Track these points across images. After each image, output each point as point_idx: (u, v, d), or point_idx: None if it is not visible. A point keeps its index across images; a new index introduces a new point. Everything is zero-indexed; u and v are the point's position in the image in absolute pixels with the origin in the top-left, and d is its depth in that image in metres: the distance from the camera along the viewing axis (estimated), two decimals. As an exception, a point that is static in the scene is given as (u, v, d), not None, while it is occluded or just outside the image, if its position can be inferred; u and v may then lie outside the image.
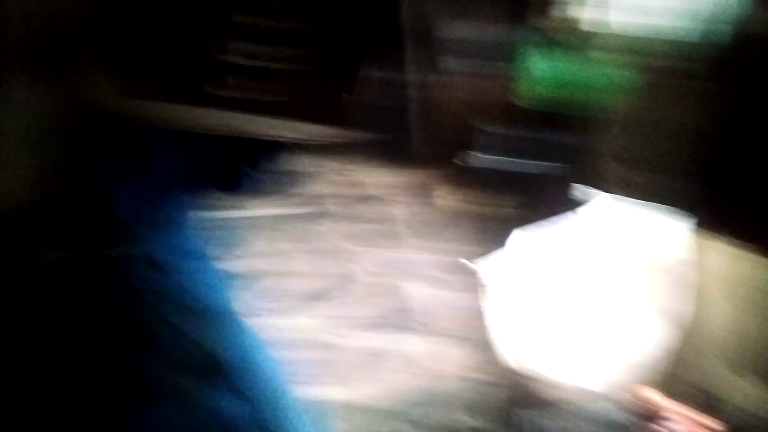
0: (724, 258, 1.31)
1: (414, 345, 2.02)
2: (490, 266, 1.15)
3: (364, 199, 2.74)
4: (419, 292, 2.23)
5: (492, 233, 1.82)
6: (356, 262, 2.38)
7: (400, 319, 2.12)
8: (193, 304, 0.88)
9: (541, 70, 2.02)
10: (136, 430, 0.78)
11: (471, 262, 1.16)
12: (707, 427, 1.06)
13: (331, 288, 2.27)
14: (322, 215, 2.65)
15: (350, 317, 2.14)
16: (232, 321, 0.93)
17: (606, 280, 1.28)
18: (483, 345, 1.32)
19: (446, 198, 2.55)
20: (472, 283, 1.25)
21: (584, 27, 1.79)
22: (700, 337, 1.45)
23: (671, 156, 0.81)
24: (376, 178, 2.85)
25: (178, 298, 0.88)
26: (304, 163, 2.77)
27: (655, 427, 1.06)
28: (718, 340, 1.37)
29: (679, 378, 1.53)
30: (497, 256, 1.17)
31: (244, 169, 0.92)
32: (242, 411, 0.90)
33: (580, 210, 1.25)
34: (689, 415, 1.09)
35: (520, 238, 1.21)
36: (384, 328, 2.09)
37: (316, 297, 2.21)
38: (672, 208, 1.24)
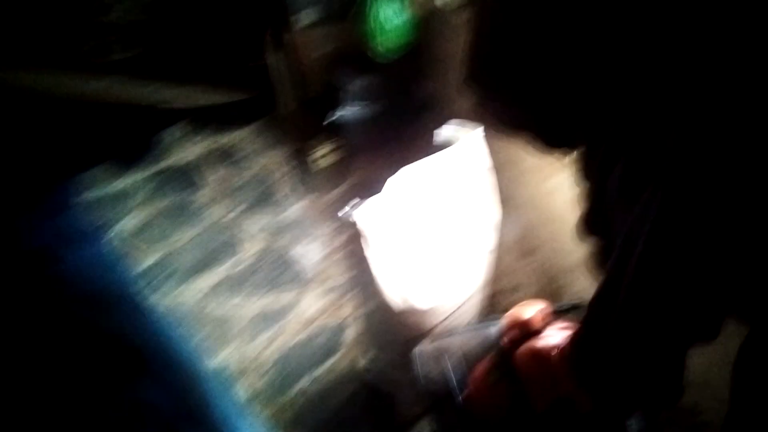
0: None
1: (309, 301, 2.04)
2: (367, 213, 1.19)
3: (238, 164, 2.68)
4: (310, 252, 2.24)
5: (367, 184, 1.88)
6: (239, 229, 2.34)
7: (293, 279, 2.13)
8: (93, 291, 0.84)
9: (388, 19, 2.06)
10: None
11: (348, 211, 1.19)
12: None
13: (216, 257, 2.22)
14: (197, 184, 2.56)
15: (240, 284, 2.11)
16: (135, 305, 0.90)
17: (453, 203, 1.39)
18: (371, 290, 1.37)
19: (320, 155, 2.56)
20: (355, 233, 1.29)
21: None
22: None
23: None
24: (249, 142, 2.79)
25: (76, 288, 0.83)
26: (173, 131, 2.64)
27: (537, 339, 1.18)
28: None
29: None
30: (374, 202, 1.21)
31: (118, 141, 0.88)
32: (170, 401, 0.88)
33: (448, 146, 1.33)
34: (563, 327, 1.23)
35: (394, 181, 1.27)
36: (277, 289, 2.09)
37: (202, 268, 2.16)
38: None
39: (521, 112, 0.86)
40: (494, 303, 1.91)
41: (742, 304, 0.63)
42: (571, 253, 1.53)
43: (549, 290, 1.68)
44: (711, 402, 1.16)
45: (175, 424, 0.82)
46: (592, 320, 0.75)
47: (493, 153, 1.82)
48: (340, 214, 1.20)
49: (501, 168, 1.83)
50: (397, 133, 1.34)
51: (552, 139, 0.88)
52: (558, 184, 1.50)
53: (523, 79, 0.82)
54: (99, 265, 0.87)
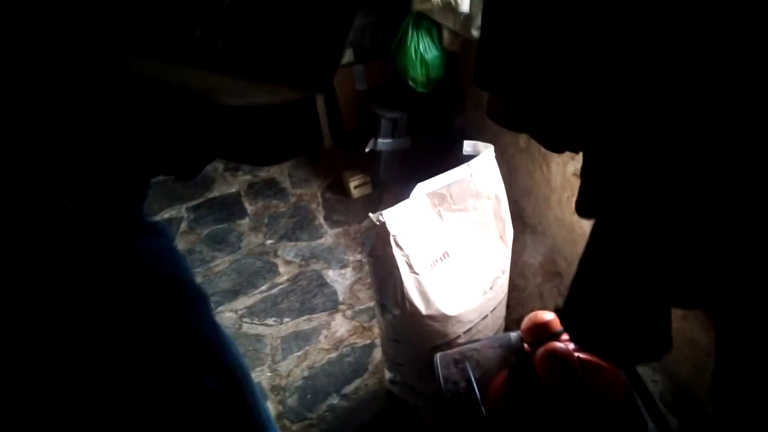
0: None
1: (339, 323, 2.10)
2: (395, 216, 1.26)
3: (276, 195, 2.81)
4: (341, 278, 2.32)
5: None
6: (275, 255, 2.44)
7: (325, 303, 2.20)
8: (167, 276, 0.93)
9: (428, 54, 2.16)
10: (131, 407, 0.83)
11: (379, 214, 1.25)
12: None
13: (253, 281, 2.31)
14: (239, 214, 2.69)
15: (275, 305, 2.19)
16: (200, 296, 0.99)
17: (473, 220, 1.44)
18: (397, 300, 1.41)
19: (354, 186, 2.67)
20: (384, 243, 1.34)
21: (462, 8, 1.95)
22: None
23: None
24: (287, 176, 2.94)
25: (155, 271, 0.92)
26: (216, 166, 2.80)
27: (556, 343, 1.20)
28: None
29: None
30: (401, 206, 1.28)
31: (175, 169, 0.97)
32: (226, 389, 0.95)
33: (470, 161, 1.40)
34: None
35: (421, 189, 1.34)
36: (309, 311, 2.16)
37: (240, 290, 2.25)
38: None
39: (522, 113, 0.93)
40: (519, 323, 1.92)
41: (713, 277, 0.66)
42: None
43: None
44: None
45: (226, 415, 0.89)
46: (579, 283, 0.79)
47: (521, 176, 1.88)
48: (371, 215, 1.26)
49: (528, 191, 1.88)
50: (430, 165, 1.42)
51: (549, 141, 0.93)
52: (581, 203, 1.53)
53: (523, 81, 0.89)
54: (172, 255, 0.97)
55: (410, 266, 1.32)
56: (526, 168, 1.87)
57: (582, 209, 0.82)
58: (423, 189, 1.35)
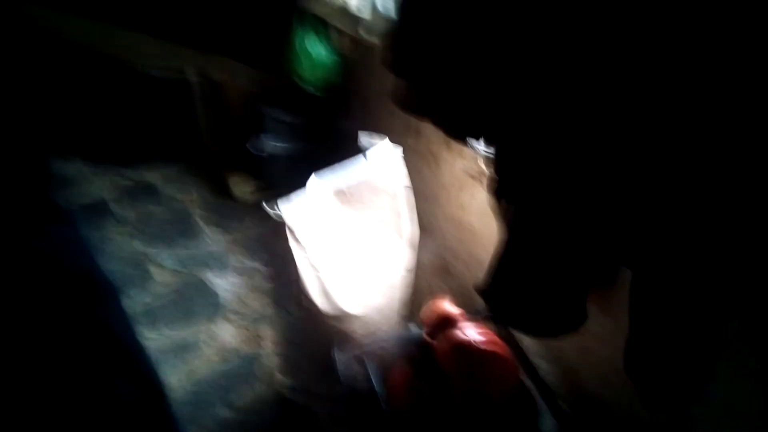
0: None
1: (226, 331, 1.98)
2: (292, 208, 1.21)
3: (151, 196, 2.61)
4: (226, 283, 2.19)
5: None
6: (153, 262, 2.25)
7: (209, 310, 2.06)
8: (75, 269, 0.81)
9: (317, 54, 2.13)
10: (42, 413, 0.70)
11: (274, 206, 1.19)
12: (487, 332, 1.25)
13: (127, 291, 2.11)
14: (106, 217, 2.45)
15: (153, 316, 2.01)
16: (110, 289, 0.87)
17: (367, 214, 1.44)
18: (292, 301, 1.36)
19: (239, 186, 2.55)
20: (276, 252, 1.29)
21: (353, 11, 1.95)
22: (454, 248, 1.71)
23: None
24: (164, 178, 2.74)
25: (63, 262, 0.80)
26: (79, 166, 2.53)
27: (457, 333, 1.22)
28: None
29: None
30: (298, 199, 1.23)
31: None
32: (143, 398, 0.84)
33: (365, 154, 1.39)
34: (476, 324, 1.29)
35: (317, 181, 1.30)
36: (192, 321, 2.01)
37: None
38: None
39: (429, 99, 0.94)
40: (413, 321, 1.94)
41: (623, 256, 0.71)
42: (483, 265, 1.59)
43: (463, 305, 1.72)
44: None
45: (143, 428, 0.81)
46: (499, 262, 0.81)
47: (410, 177, 1.91)
48: (266, 206, 1.20)
49: (417, 192, 1.91)
50: (318, 168, 1.40)
51: (452, 127, 0.95)
52: (469, 199, 1.58)
53: (438, 68, 0.90)
54: (77, 245, 0.86)
55: (310, 262, 1.28)
56: (415, 167, 1.90)
57: (498, 192, 0.84)
58: (319, 181, 1.32)
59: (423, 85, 0.95)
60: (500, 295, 0.81)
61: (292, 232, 1.22)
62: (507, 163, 0.85)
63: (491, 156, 0.87)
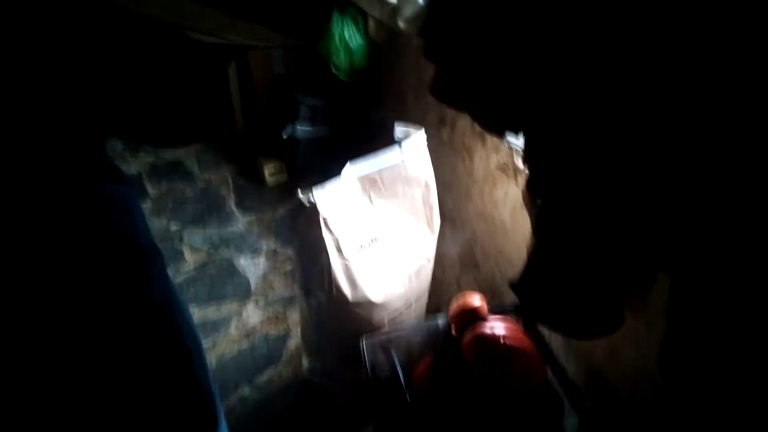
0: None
1: (251, 312, 2.01)
2: (325, 196, 1.21)
3: (184, 177, 2.65)
4: (253, 266, 2.22)
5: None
6: (181, 241, 2.30)
7: (236, 291, 2.10)
8: (119, 226, 0.84)
9: (353, 42, 2.13)
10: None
11: (307, 192, 1.20)
12: (514, 327, 1.25)
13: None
14: (141, 195, 2.50)
15: (181, 293, 2.06)
16: (153, 252, 0.90)
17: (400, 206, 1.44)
18: (319, 285, 1.37)
19: (270, 170, 2.58)
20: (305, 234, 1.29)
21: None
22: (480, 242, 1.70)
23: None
24: (194, 159, 2.78)
25: (107, 218, 0.84)
26: (116, 145, 2.59)
27: (483, 327, 1.22)
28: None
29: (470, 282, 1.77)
30: (332, 187, 1.23)
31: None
32: (174, 359, 0.88)
33: (400, 144, 1.39)
34: (503, 319, 1.28)
35: (351, 170, 1.30)
36: (217, 299, 2.05)
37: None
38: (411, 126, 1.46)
39: (467, 90, 0.93)
40: (438, 312, 1.95)
41: (663, 261, 0.70)
42: (513, 262, 1.59)
43: (489, 300, 1.72)
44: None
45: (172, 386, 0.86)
46: (534, 257, 0.81)
47: (443, 168, 1.91)
48: (299, 193, 1.21)
49: (449, 183, 1.90)
50: (348, 155, 1.40)
51: (490, 120, 0.94)
52: (503, 194, 1.57)
53: (473, 56, 0.89)
54: (125, 204, 0.89)
55: (339, 250, 1.29)
56: (448, 161, 1.90)
57: (532, 189, 0.83)
58: (353, 171, 1.32)
59: (459, 73, 0.94)
60: (534, 291, 0.80)
61: (324, 219, 1.23)
62: (544, 159, 0.84)
63: (528, 152, 0.87)
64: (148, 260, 0.88)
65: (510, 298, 1.69)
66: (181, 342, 0.88)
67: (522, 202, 1.48)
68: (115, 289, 0.81)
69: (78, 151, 0.84)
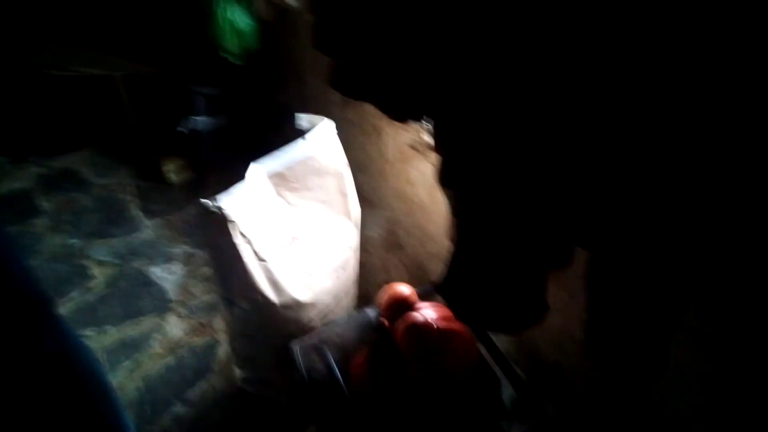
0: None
1: (173, 324, 1.90)
2: (232, 201, 1.14)
3: (78, 185, 2.45)
4: (168, 273, 2.10)
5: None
6: (87, 257, 2.13)
7: (153, 303, 1.97)
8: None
9: (243, 23, 2.01)
10: None
11: (212, 199, 1.12)
12: (444, 310, 1.24)
13: (62, 288, 1.99)
14: (32, 212, 2.29)
15: (93, 313, 1.91)
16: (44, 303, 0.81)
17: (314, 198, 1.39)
18: (242, 292, 1.31)
19: (171, 168, 2.43)
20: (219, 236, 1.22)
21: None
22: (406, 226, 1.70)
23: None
24: (87, 164, 2.57)
25: None
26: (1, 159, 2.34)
27: (413, 313, 1.21)
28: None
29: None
30: (238, 190, 1.16)
31: None
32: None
33: (305, 135, 1.32)
34: (432, 304, 1.28)
35: (256, 168, 1.22)
36: (135, 315, 1.92)
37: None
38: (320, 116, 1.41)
39: (367, 81, 0.89)
40: (370, 300, 1.93)
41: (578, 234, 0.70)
42: (435, 239, 1.59)
43: (418, 279, 1.72)
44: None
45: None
46: (455, 258, 0.79)
47: (354, 151, 1.86)
48: (203, 202, 1.12)
49: (362, 166, 1.86)
50: (255, 142, 1.32)
51: (393, 110, 0.91)
52: (418, 173, 1.55)
53: (368, 47, 0.84)
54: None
55: (256, 253, 1.22)
56: (358, 141, 1.85)
57: (445, 180, 0.80)
58: (259, 168, 1.25)
59: (355, 65, 0.89)
60: (458, 290, 0.79)
61: (234, 225, 1.15)
62: (451, 145, 0.81)
63: (437, 140, 0.84)
64: (35, 312, 0.79)
65: (436, 274, 1.69)
66: (81, 390, 0.81)
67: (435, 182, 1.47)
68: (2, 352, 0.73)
69: None
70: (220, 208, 1.12)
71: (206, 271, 2.10)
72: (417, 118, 0.91)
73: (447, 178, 0.84)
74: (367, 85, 0.90)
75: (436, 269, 1.66)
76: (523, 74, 0.63)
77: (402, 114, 0.92)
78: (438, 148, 0.84)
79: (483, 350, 1.26)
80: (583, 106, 0.59)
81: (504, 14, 0.61)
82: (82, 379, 0.82)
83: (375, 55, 0.83)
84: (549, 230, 0.70)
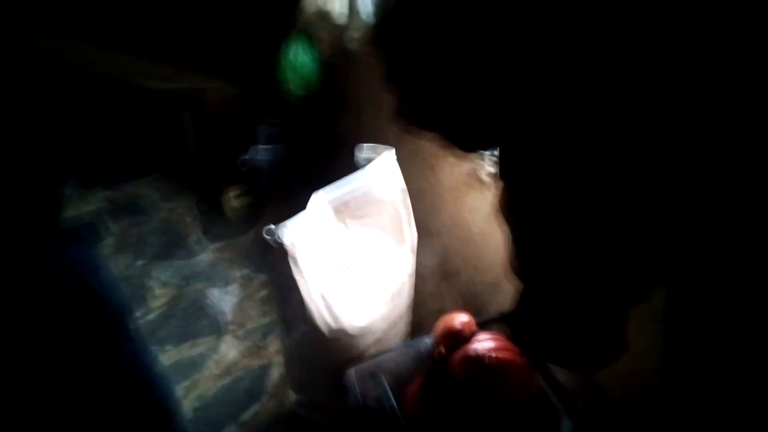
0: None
1: (228, 346, 1.95)
2: (294, 229, 1.17)
3: (143, 211, 2.56)
4: (226, 296, 2.16)
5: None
6: (148, 277, 2.21)
7: (211, 325, 2.03)
8: (82, 291, 0.79)
9: (304, 63, 2.09)
10: None
11: (274, 230, 1.15)
12: (502, 341, 1.22)
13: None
14: (103, 234, 2.40)
15: (152, 333, 1.97)
16: (120, 311, 0.85)
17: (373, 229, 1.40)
18: (297, 318, 1.33)
19: (232, 198, 2.51)
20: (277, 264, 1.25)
21: (333, 16, 1.91)
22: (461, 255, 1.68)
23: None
24: (153, 189, 2.69)
25: (71, 283, 0.79)
26: (71, 182, 2.49)
27: (471, 345, 1.19)
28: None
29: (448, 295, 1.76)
30: (300, 218, 1.19)
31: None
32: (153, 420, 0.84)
33: (366, 167, 1.35)
34: (490, 334, 1.26)
35: (318, 198, 1.26)
36: (192, 336, 1.98)
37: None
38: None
39: (433, 112, 0.90)
40: (423, 327, 1.92)
41: (659, 271, 0.68)
42: (492, 268, 1.58)
43: (472, 308, 1.71)
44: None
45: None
46: (527, 290, 0.78)
47: (410, 180, 1.88)
48: (265, 232, 1.16)
49: (419, 194, 1.88)
50: (312, 172, 1.36)
51: (460, 140, 0.92)
52: (476, 202, 1.55)
53: (435, 80, 0.86)
54: (87, 264, 0.85)
55: (314, 281, 1.24)
56: (415, 171, 1.87)
57: (512, 208, 0.80)
58: (322, 198, 1.28)
59: (423, 98, 0.91)
60: (530, 323, 0.77)
61: (293, 257, 1.18)
62: (527, 175, 0.81)
63: (506, 168, 0.84)
64: (113, 321, 0.83)
65: (492, 305, 1.67)
66: (150, 403, 0.84)
67: (495, 212, 1.47)
68: (81, 356, 0.77)
69: (36, 216, 0.81)
70: (281, 236, 1.15)
71: (263, 294, 2.14)
72: (485, 148, 0.91)
73: (515, 207, 0.84)
74: (436, 115, 0.92)
75: (491, 298, 1.64)
76: (602, 106, 0.62)
77: (471, 144, 0.93)
78: (507, 176, 0.84)
79: (542, 382, 1.23)
80: (657, 149, 0.58)
81: (585, 44, 0.62)
82: (153, 393, 0.85)
83: (446, 84, 0.84)
84: (628, 265, 0.68)
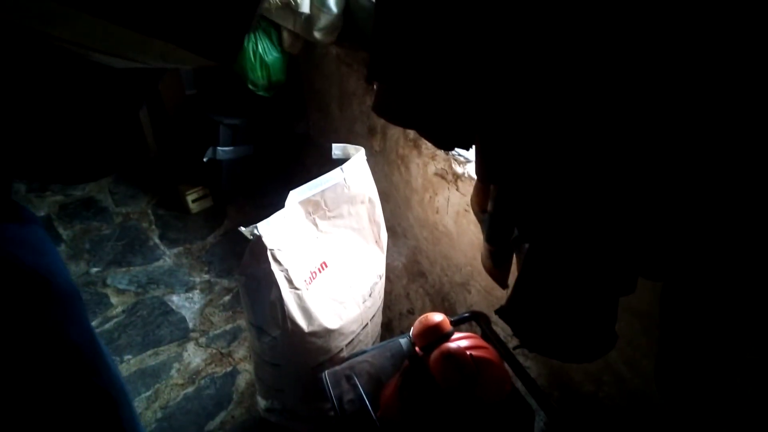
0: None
1: (192, 353, 1.89)
2: (271, 228, 1.14)
3: (99, 214, 2.46)
4: (188, 302, 2.09)
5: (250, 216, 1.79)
6: (106, 285, 2.12)
7: (173, 332, 1.96)
8: (32, 269, 0.73)
9: (268, 56, 2.05)
10: None
11: (251, 228, 1.12)
12: (477, 339, 1.23)
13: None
14: (55, 241, 2.29)
15: (111, 342, 1.89)
16: (70, 293, 0.80)
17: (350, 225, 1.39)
18: (267, 321, 1.30)
19: (192, 197, 2.44)
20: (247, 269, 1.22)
21: (303, 9, 1.88)
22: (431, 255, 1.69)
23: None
24: (107, 193, 2.59)
25: (20, 261, 0.73)
26: (17, 187, 2.37)
27: (448, 344, 1.19)
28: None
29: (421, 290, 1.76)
30: (277, 217, 1.16)
31: None
32: (98, 410, 0.79)
33: (341, 165, 1.33)
34: (465, 333, 1.27)
35: (293, 197, 1.23)
36: (154, 344, 1.91)
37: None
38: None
39: (414, 108, 0.90)
40: (392, 328, 1.91)
41: (648, 264, 0.69)
42: (460, 268, 1.59)
43: (442, 308, 1.71)
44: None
45: None
46: (522, 284, 0.78)
47: (379, 180, 1.88)
48: (243, 229, 1.13)
49: (387, 196, 1.87)
50: (275, 172, 1.33)
51: (439, 137, 0.92)
52: (445, 201, 1.56)
53: (420, 74, 0.86)
54: (37, 245, 0.80)
55: (290, 281, 1.22)
56: (383, 171, 1.86)
57: (499, 206, 0.81)
58: (296, 197, 1.26)
59: (407, 91, 0.90)
60: (524, 316, 0.78)
61: (272, 252, 1.15)
62: (507, 170, 0.81)
63: (489, 168, 0.84)
64: (63, 303, 0.79)
65: (460, 305, 1.68)
66: (102, 389, 0.80)
67: (466, 208, 1.48)
68: (27, 335, 0.73)
69: None
70: (259, 236, 1.13)
71: (227, 300, 2.09)
72: (462, 146, 0.91)
73: (500, 206, 0.84)
74: (416, 111, 0.91)
75: (460, 298, 1.65)
76: (587, 106, 0.63)
77: (447, 141, 0.93)
78: (487, 173, 0.85)
79: (516, 380, 1.24)
80: (649, 142, 0.59)
81: (573, 44, 0.62)
82: (103, 378, 0.81)
83: (429, 81, 0.84)
84: (618, 260, 0.69)
